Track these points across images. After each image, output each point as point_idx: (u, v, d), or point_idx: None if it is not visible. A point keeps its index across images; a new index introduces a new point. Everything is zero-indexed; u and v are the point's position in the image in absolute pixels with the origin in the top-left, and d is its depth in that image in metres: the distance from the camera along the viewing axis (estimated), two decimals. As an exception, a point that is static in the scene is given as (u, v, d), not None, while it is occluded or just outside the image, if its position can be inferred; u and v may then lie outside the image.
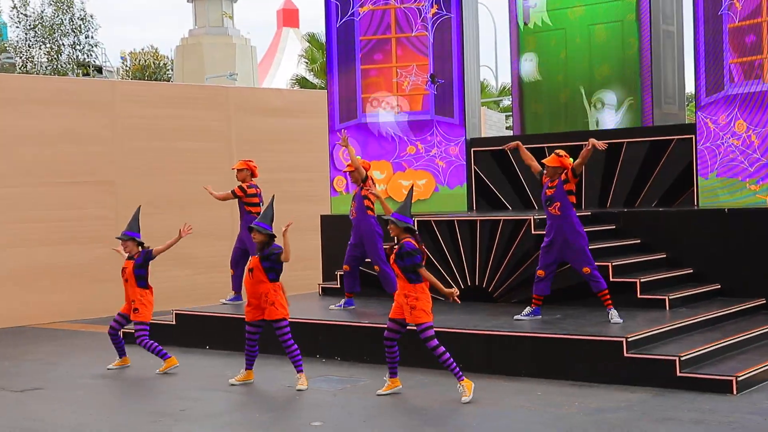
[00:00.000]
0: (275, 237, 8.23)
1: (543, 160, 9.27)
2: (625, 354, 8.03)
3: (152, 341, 9.16)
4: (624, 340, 8.07)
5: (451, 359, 7.72)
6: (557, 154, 9.17)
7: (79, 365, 9.73)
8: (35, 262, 12.83)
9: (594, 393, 7.74)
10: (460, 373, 7.72)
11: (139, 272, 9.13)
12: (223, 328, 10.44)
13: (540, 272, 9.35)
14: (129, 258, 9.24)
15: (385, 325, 8.01)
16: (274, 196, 8.80)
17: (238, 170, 11.03)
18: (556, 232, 9.20)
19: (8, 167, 12.73)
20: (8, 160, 12.74)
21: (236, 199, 11.00)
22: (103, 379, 9.10)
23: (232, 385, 8.44)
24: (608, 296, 9.11)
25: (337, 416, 7.35)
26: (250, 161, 11.14)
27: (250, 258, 8.38)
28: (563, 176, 9.09)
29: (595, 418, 6.99)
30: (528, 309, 9.39)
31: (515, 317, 9.34)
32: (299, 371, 8.30)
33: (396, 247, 7.72)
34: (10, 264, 12.65)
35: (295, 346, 8.29)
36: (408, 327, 7.91)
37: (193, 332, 10.61)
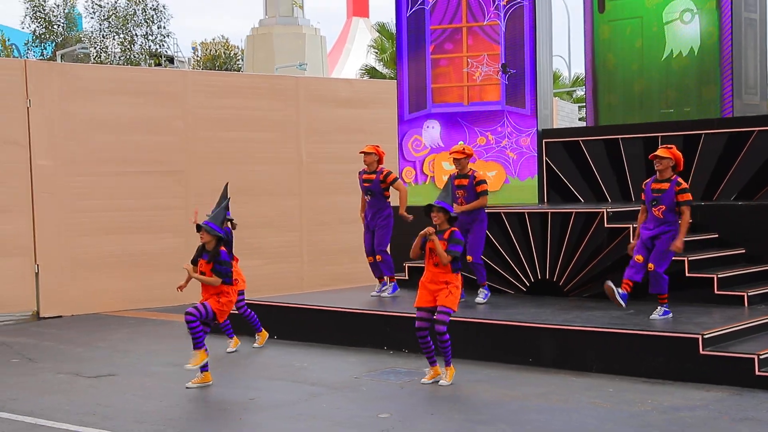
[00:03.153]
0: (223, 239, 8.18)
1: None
2: (701, 351, 7.86)
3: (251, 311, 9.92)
4: (700, 337, 7.89)
5: (450, 346, 7.94)
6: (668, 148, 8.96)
7: (151, 353, 9.86)
8: (107, 250, 13.01)
9: (668, 391, 7.59)
10: (450, 360, 7.96)
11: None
12: (290, 318, 10.49)
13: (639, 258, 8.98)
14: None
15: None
16: (227, 186, 8.51)
17: (366, 153, 10.66)
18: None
19: (82, 156, 12.93)
20: (82, 149, 12.93)
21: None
22: (173, 367, 9.16)
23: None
24: (665, 299, 8.93)
25: (405, 408, 7.31)
26: (378, 147, 10.83)
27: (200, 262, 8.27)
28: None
29: (670, 416, 6.85)
30: (659, 309, 8.91)
31: (650, 317, 8.88)
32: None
33: (434, 234, 7.88)
34: (84, 252, 12.86)
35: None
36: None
37: (261, 322, 10.58)
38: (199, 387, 8.14)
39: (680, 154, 8.94)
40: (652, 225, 8.92)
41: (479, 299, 10.08)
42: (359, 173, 10.88)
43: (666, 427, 6.58)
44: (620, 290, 8.90)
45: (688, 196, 8.77)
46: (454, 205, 9.37)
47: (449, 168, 12.39)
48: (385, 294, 10.81)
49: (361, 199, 10.94)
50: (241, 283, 9.50)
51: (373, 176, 10.63)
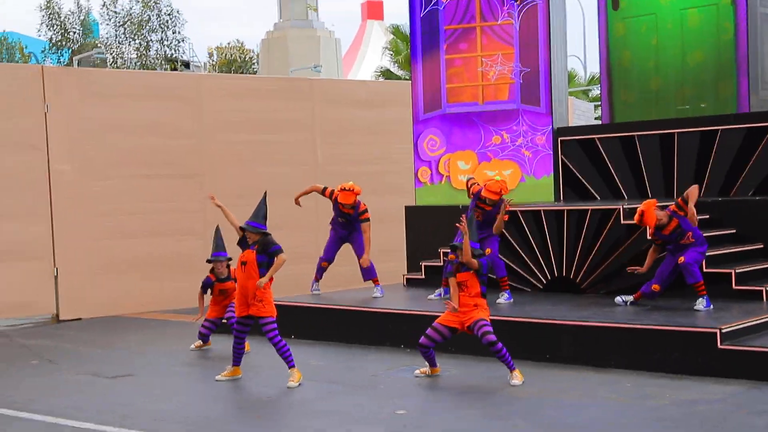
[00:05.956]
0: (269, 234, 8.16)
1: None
2: (719, 346, 7.87)
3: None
4: (718, 331, 7.91)
5: (507, 354, 7.94)
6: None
7: (170, 353, 9.93)
8: (125, 253, 13.11)
9: (686, 385, 7.61)
10: (513, 365, 7.96)
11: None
12: (309, 317, 10.56)
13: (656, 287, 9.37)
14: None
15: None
16: (266, 192, 8.48)
17: (352, 192, 10.88)
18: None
19: (102, 160, 13.04)
20: (100, 153, 13.04)
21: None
22: (191, 367, 9.29)
23: (218, 381, 8.35)
24: (703, 288, 9.06)
25: (422, 405, 7.37)
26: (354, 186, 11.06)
27: (242, 251, 8.27)
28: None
29: (688, 410, 6.87)
30: (701, 300, 9.12)
31: (694, 307, 9.08)
32: (291, 366, 8.18)
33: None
34: (102, 255, 12.97)
35: (284, 342, 8.18)
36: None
37: (279, 322, 10.60)
38: (228, 380, 8.33)
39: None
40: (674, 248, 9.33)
41: (501, 300, 10.05)
42: (336, 200, 10.99)
43: (684, 420, 6.60)
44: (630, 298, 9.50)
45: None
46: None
47: (465, 167, 12.44)
48: (377, 295, 10.93)
49: (312, 189, 11.37)
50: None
51: (352, 210, 10.97)
